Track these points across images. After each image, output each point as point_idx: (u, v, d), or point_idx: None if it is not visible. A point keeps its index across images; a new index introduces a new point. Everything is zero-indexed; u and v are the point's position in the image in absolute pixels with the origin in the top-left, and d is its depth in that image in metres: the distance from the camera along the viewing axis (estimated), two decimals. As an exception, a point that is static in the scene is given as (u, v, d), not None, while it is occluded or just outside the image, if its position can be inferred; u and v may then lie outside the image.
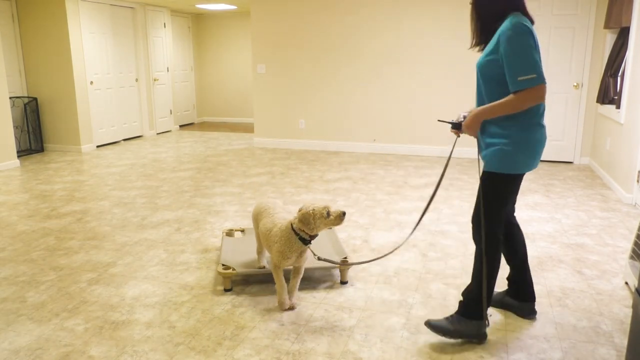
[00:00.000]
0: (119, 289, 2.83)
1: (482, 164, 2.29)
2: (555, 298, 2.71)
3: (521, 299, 2.52)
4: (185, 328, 2.41)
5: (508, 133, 2.16)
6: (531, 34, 2.08)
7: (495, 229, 2.25)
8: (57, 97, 6.94)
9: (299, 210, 2.45)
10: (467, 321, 2.27)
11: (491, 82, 2.20)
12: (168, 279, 2.94)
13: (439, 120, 2.32)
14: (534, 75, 2.06)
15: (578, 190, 4.92)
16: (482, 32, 2.29)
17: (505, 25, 2.12)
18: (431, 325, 2.30)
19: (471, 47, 2.38)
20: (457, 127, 2.33)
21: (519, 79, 2.07)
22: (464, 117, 2.30)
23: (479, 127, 2.24)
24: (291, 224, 2.48)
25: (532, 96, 2.08)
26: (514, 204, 2.45)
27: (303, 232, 2.45)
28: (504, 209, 2.25)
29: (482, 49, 2.32)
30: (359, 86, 6.85)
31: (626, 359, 1.86)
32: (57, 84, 6.90)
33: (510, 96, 2.10)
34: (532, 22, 2.16)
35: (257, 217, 2.77)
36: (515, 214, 2.50)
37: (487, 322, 2.29)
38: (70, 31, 6.72)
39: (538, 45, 2.12)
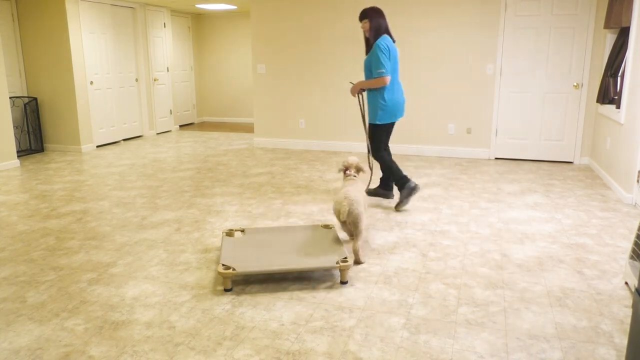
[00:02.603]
0: (119, 289, 2.83)
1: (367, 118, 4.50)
2: (555, 298, 2.71)
3: (385, 189, 4.50)
4: (185, 328, 2.41)
5: (378, 99, 4.17)
6: (387, 49, 4.05)
7: (382, 153, 4.30)
8: (57, 97, 6.94)
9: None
10: (405, 190, 4.23)
11: (369, 70, 4.16)
12: (168, 279, 2.94)
13: (350, 82, 4.08)
14: (383, 70, 4.04)
15: (578, 190, 4.92)
16: (368, 45, 4.20)
17: (376, 43, 4.06)
18: (399, 204, 4.27)
19: (367, 54, 4.18)
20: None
21: (377, 71, 4.07)
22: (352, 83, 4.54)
23: (357, 90, 4.28)
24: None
25: (381, 81, 4.06)
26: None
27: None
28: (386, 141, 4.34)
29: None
30: (359, 86, 6.84)
31: (626, 359, 1.86)
32: (57, 84, 6.90)
33: (373, 79, 4.12)
34: (393, 40, 4.16)
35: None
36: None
37: (411, 183, 4.21)
38: (70, 31, 6.72)
39: (391, 53, 4.09)
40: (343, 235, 3.67)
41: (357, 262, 3.17)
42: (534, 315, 2.52)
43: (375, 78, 4.09)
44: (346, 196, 3.16)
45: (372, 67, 4.09)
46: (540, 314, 2.54)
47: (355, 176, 3.56)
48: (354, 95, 4.31)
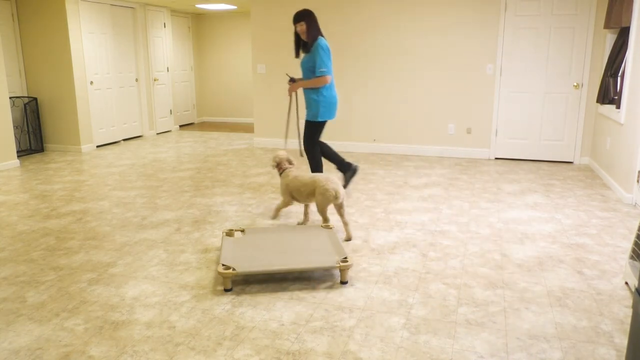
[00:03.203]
0: (119, 289, 2.83)
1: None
2: (555, 298, 2.71)
3: (345, 170, 4.62)
4: (185, 328, 2.41)
5: (319, 97, 4.30)
6: (328, 49, 4.23)
7: (315, 149, 4.46)
8: (57, 97, 6.94)
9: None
10: (347, 174, 4.60)
11: (309, 70, 4.28)
12: (168, 279, 2.94)
13: (287, 74, 4.60)
14: (325, 70, 4.19)
15: (578, 190, 4.92)
16: (305, 47, 4.30)
17: (317, 43, 4.19)
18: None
19: (297, 56, 4.39)
20: (292, 81, 4.41)
21: (320, 70, 4.20)
22: (292, 79, 4.42)
23: (296, 89, 4.37)
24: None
25: (323, 80, 4.22)
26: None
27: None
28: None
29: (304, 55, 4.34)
30: (359, 86, 6.85)
31: (626, 359, 1.86)
32: (57, 84, 6.90)
33: (315, 78, 4.24)
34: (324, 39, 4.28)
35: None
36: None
37: (350, 164, 4.58)
38: (70, 31, 6.72)
39: (330, 54, 4.25)
40: (343, 235, 3.67)
41: (349, 238, 3.57)
42: (534, 315, 2.52)
43: (317, 77, 4.21)
44: (328, 178, 3.54)
45: (315, 67, 4.21)
46: (540, 314, 2.54)
47: (292, 166, 3.86)
48: (290, 94, 4.45)
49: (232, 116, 10.41)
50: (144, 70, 8.31)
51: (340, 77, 6.89)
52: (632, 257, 2.86)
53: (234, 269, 2.76)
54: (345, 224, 3.58)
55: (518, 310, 2.57)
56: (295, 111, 4.51)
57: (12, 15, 6.78)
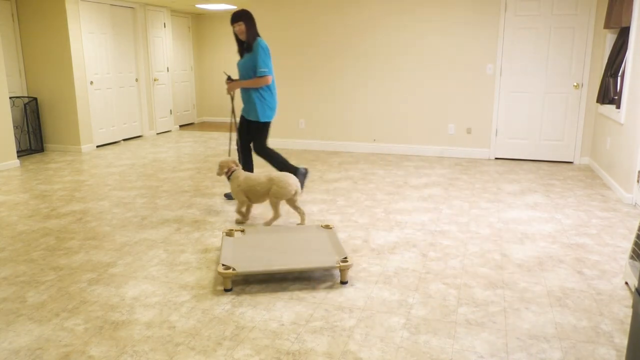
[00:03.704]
0: (119, 289, 2.83)
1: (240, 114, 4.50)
2: (555, 298, 2.71)
3: (295, 172, 4.34)
4: (185, 328, 2.41)
5: (262, 97, 4.27)
6: (268, 49, 4.19)
7: (267, 149, 4.38)
8: (57, 97, 6.94)
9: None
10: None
11: (249, 70, 4.22)
12: (168, 279, 2.94)
13: (224, 72, 4.58)
14: (266, 70, 4.16)
15: (578, 190, 4.92)
16: (245, 47, 4.25)
17: (258, 43, 4.15)
18: (228, 195, 4.55)
19: (242, 57, 4.29)
20: (230, 80, 4.33)
21: (260, 70, 4.15)
22: (230, 77, 4.34)
23: (236, 89, 4.29)
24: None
25: (264, 80, 4.18)
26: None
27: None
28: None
29: (242, 55, 4.31)
30: (359, 86, 6.85)
31: (626, 358, 1.86)
32: (57, 84, 6.90)
33: (256, 78, 4.20)
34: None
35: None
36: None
37: (301, 169, 4.38)
38: (70, 31, 6.72)
39: (270, 55, 4.34)
40: (343, 235, 3.67)
41: (303, 221, 3.84)
42: (534, 315, 2.52)
43: (258, 77, 4.17)
44: (287, 175, 3.71)
45: (256, 67, 4.17)
46: (540, 314, 2.54)
47: (238, 167, 3.93)
48: (228, 93, 4.38)
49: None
50: (144, 70, 8.31)
51: (341, 77, 6.89)
52: (632, 257, 2.86)
53: (234, 269, 2.76)
54: (302, 212, 3.82)
55: (518, 310, 2.57)
56: (233, 110, 4.52)
57: (12, 15, 6.78)
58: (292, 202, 3.81)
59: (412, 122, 6.73)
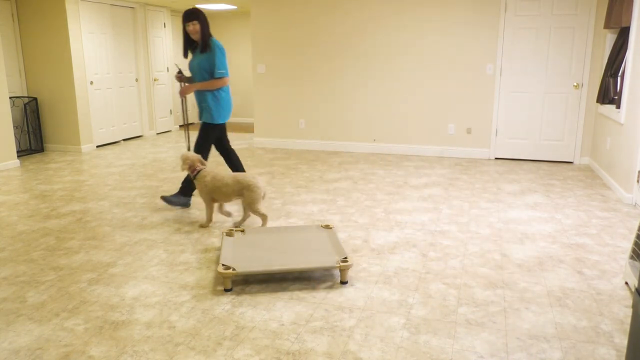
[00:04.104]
0: (119, 289, 2.83)
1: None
2: (555, 298, 2.71)
3: (186, 195, 4.29)
4: (185, 328, 2.41)
5: (217, 98, 4.12)
6: (224, 50, 4.06)
7: (207, 153, 4.22)
8: (57, 97, 6.94)
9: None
10: (182, 197, 4.26)
11: (204, 71, 4.06)
12: (168, 279, 2.94)
13: (176, 65, 4.41)
14: (224, 71, 4.05)
15: (578, 190, 4.92)
16: (197, 47, 4.10)
17: (214, 44, 4.02)
18: (165, 198, 4.23)
19: (185, 56, 4.18)
20: (181, 80, 4.22)
21: (218, 71, 4.03)
22: (181, 71, 4.22)
23: (192, 91, 4.11)
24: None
25: (222, 82, 4.07)
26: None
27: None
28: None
29: (193, 54, 4.14)
30: (359, 86, 6.85)
31: (626, 358, 1.86)
32: (57, 84, 6.90)
33: (212, 80, 4.07)
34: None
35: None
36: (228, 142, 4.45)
37: (190, 199, 4.29)
38: (70, 31, 6.72)
39: (226, 55, 4.22)
40: (343, 235, 3.67)
41: (265, 222, 3.75)
42: (534, 315, 2.52)
43: (216, 79, 4.05)
44: (254, 176, 3.70)
45: (212, 68, 4.05)
46: (540, 314, 2.54)
47: (205, 167, 3.82)
48: (182, 96, 4.20)
49: (232, 116, 10.40)
50: (143, 70, 8.31)
51: (341, 77, 6.89)
52: (632, 257, 2.86)
53: (234, 269, 2.76)
54: (264, 216, 3.72)
55: (518, 310, 2.57)
56: (185, 113, 4.42)
57: (12, 15, 6.78)
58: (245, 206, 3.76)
59: (412, 122, 6.73)
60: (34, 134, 7.00)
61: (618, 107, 5.04)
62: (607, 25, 5.47)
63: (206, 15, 4.08)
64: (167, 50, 8.96)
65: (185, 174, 5.03)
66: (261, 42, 7.14)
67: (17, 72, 6.92)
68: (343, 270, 2.86)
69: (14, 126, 6.73)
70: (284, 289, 2.80)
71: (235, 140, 7.99)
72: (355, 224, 3.93)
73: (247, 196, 3.64)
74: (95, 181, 5.33)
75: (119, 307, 2.62)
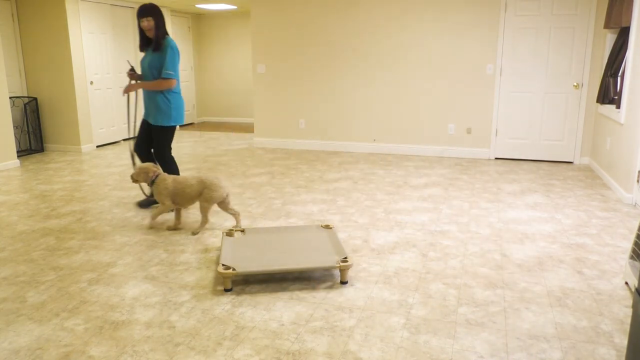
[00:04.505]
0: (119, 289, 2.83)
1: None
2: (555, 298, 2.71)
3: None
4: (185, 328, 2.41)
5: (168, 100, 4.00)
6: (179, 51, 3.96)
7: (170, 156, 4.14)
8: (57, 97, 6.94)
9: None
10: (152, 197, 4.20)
11: (154, 70, 3.93)
12: (168, 279, 2.94)
13: (127, 61, 4.47)
14: (173, 73, 3.91)
15: (578, 190, 4.92)
16: (151, 44, 3.95)
17: (169, 43, 3.89)
18: (140, 203, 4.26)
19: (142, 50, 4.03)
20: (132, 77, 4.10)
21: (167, 72, 3.89)
22: (133, 69, 4.08)
23: (136, 90, 3.97)
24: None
25: (169, 83, 3.92)
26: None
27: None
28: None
29: (146, 51, 4.01)
30: (359, 86, 6.85)
31: (626, 358, 1.85)
32: (57, 84, 6.90)
33: (159, 80, 3.93)
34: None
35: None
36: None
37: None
38: (70, 31, 6.72)
39: (179, 57, 3.95)
40: (343, 235, 3.67)
41: (239, 222, 3.77)
42: (534, 315, 2.52)
43: (163, 79, 3.90)
44: (217, 177, 3.65)
45: (163, 68, 3.90)
46: (540, 314, 2.54)
47: (159, 170, 3.76)
48: (125, 94, 4.02)
49: (232, 116, 10.41)
50: (144, 70, 8.30)
51: (341, 77, 6.89)
52: (632, 257, 2.86)
53: (234, 269, 2.77)
54: (237, 214, 3.75)
55: (518, 310, 2.57)
56: (128, 112, 4.29)
57: (12, 15, 6.78)
58: (224, 205, 3.69)
59: (412, 122, 6.73)
60: (34, 134, 7.00)
61: (618, 107, 5.04)
62: (607, 25, 5.47)
63: (161, 12, 3.93)
64: (167, 50, 8.95)
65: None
66: (261, 42, 7.14)
67: (17, 72, 6.92)
68: (343, 270, 2.86)
69: (14, 126, 6.73)
70: (284, 289, 2.80)
71: (236, 140, 7.99)
72: (355, 224, 3.93)
73: (205, 194, 3.59)
74: (95, 181, 5.34)
75: (119, 307, 2.62)
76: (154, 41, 3.92)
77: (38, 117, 7.00)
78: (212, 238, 3.63)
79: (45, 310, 2.59)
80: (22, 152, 6.82)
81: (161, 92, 4.00)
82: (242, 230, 3.41)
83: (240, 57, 10.06)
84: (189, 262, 3.20)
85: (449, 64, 6.44)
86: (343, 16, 6.72)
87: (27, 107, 6.90)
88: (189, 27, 9.88)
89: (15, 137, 6.76)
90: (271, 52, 7.12)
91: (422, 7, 6.40)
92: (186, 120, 9.94)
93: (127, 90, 3.99)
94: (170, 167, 4.17)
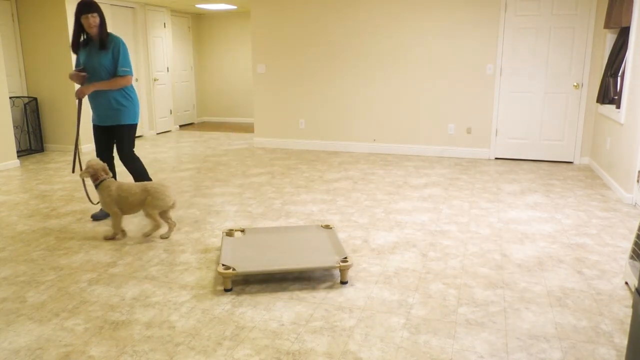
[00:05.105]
0: (119, 289, 2.83)
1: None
2: (555, 298, 2.71)
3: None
4: (185, 328, 2.41)
5: (126, 98, 3.90)
6: (126, 45, 3.82)
7: (135, 155, 4.01)
8: (57, 97, 6.94)
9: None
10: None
11: (105, 69, 3.76)
12: (168, 279, 2.95)
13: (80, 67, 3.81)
14: (129, 69, 3.80)
15: (578, 190, 4.92)
16: (96, 42, 3.77)
17: (118, 40, 3.77)
18: (95, 216, 4.02)
19: (75, 51, 3.83)
20: (81, 78, 3.77)
21: (123, 69, 3.78)
22: (83, 69, 3.79)
23: (91, 91, 3.77)
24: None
25: (127, 80, 3.82)
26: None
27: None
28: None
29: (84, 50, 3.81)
30: (359, 86, 6.85)
31: (626, 358, 1.86)
32: (57, 84, 6.90)
33: (116, 78, 3.79)
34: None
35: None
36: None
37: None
38: (70, 31, 6.71)
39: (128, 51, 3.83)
40: (343, 235, 3.67)
41: (169, 236, 3.62)
42: (534, 315, 2.52)
43: (120, 77, 3.78)
44: (163, 184, 3.53)
45: (115, 66, 3.78)
46: (540, 314, 2.54)
47: (108, 176, 3.56)
48: (80, 97, 3.76)
49: (232, 116, 10.41)
50: (144, 70, 8.31)
51: (341, 77, 6.90)
52: (632, 257, 2.86)
53: (234, 269, 2.77)
54: (173, 224, 3.62)
55: (518, 310, 2.57)
56: (78, 118, 3.93)
57: (12, 15, 6.78)
58: (164, 213, 3.56)
59: (412, 122, 6.73)
60: (34, 134, 7.00)
61: (618, 107, 5.04)
62: (607, 25, 5.47)
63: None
64: (167, 50, 8.96)
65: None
66: (261, 42, 7.14)
67: (17, 72, 6.92)
68: (343, 270, 2.86)
69: (14, 126, 6.73)
70: (284, 289, 2.80)
71: (236, 140, 7.99)
72: (355, 224, 3.93)
73: (149, 201, 3.44)
74: (95, 181, 5.33)
75: (119, 307, 2.62)
76: (99, 39, 3.75)
77: (38, 117, 7.00)
78: (212, 238, 3.63)
79: (45, 310, 2.59)
80: (22, 152, 6.82)
81: (122, 89, 3.88)
82: (242, 230, 3.41)
83: (240, 57, 10.06)
84: (189, 262, 3.20)
85: (448, 64, 6.44)
86: (343, 16, 6.72)
87: (27, 107, 6.90)
88: (189, 27, 9.88)
89: (15, 137, 6.76)
90: (271, 52, 7.12)
91: (422, 7, 6.40)
92: (186, 120, 9.95)
93: (82, 93, 3.77)
94: (140, 165, 4.07)
